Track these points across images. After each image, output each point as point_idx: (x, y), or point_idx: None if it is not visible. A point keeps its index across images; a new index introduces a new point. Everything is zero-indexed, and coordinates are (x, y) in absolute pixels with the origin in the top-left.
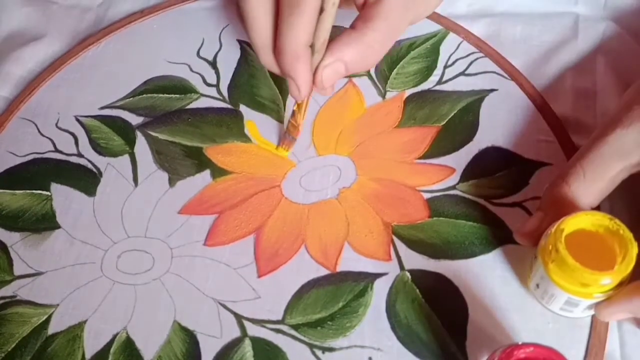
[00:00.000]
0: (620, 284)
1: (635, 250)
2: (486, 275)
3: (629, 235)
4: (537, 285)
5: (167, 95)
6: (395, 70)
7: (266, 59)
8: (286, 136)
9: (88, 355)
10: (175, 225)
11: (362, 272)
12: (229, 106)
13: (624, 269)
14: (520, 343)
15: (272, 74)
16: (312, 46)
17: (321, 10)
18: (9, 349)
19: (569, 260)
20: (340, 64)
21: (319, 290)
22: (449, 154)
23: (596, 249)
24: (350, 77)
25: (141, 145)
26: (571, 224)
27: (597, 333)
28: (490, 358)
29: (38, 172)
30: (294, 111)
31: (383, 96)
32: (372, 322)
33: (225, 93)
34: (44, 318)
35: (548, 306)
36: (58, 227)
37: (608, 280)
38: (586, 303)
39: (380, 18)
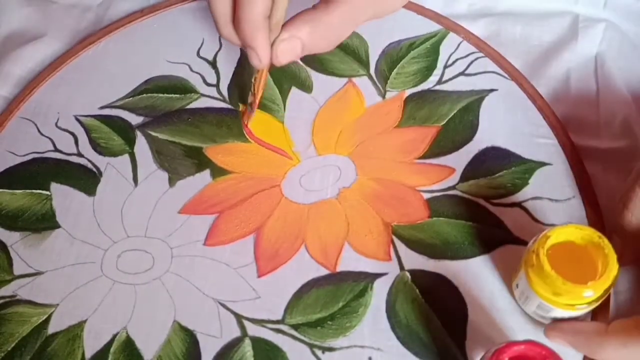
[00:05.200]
0: (595, 301)
1: (614, 272)
2: (486, 276)
3: (612, 255)
4: (517, 285)
5: (167, 95)
6: (395, 70)
7: (226, 30)
8: (246, 107)
9: (88, 355)
10: (175, 224)
11: (362, 272)
12: (229, 106)
13: (599, 286)
14: (512, 341)
15: (271, 74)
16: (271, 22)
17: None
18: (9, 349)
19: (546, 266)
20: (296, 40)
21: (319, 290)
22: (449, 154)
23: (581, 263)
24: (350, 76)
25: (141, 145)
26: (559, 233)
27: None
28: (484, 356)
29: (38, 172)
30: (253, 81)
31: (383, 96)
32: (372, 322)
33: (225, 93)
34: (43, 318)
35: (523, 307)
36: (58, 226)
37: (586, 293)
38: (558, 311)
39: (342, 1)
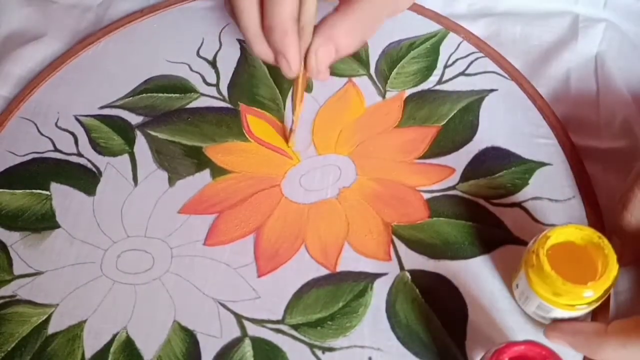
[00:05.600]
0: (595, 301)
1: (614, 272)
2: (486, 276)
3: (612, 255)
4: (517, 286)
5: (167, 95)
6: (395, 70)
7: (259, 47)
8: (289, 128)
9: (88, 355)
10: (175, 224)
11: (362, 272)
12: (229, 105)
13: (599, 286)
14: (512, 341)
15: (271, 74)
16: (300, 28)
17: None
18: (9, 349)
19: (546, 267)
20: (331, 44)
21: (319, 290)
22: (449, 154)
23: (581, 264)
24: (350, 76)
25: (141, 145)
26: (559, 234)
27: None
28: (484, 356)
29: (38, 172)
30: (292, 92)
31: (383, 96)
32: (372, 322)
33: (225, 92)
34: (43, 318)
35: (523, 307)
36: (58, 226)
37: (585, 293)
38: (558, 312)
39: (361, 2)
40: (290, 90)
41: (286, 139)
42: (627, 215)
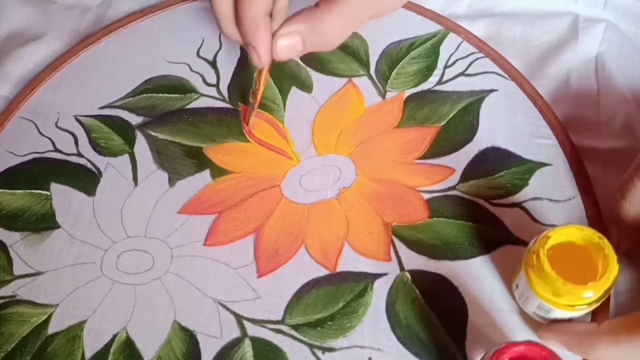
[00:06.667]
0: (595, 302)
1: (614, 272)
2: (486, 276)
3: (613, 256)
4: (517, 286)
5: (167, 95)
6: (395, 71)
7: (228, 29)
8: (247, 107)
9: (88, 355)
10: (175, 225)
11: (362, 273)
12: (229, 106)
13: (599, 287)
14: (512, 341)
15: (271, 74)
16: (271, 17)
17: None
18: (9, 349)
19: (546, 267)
20: (296, 36)
21: (319, 290)
22: (449, 154)
23: (581, 264)
24: (350, 76)
25: (141, 145)
26: (559, 234)
27: None
28: (484, 357)
29: (38, 172)
30: (254, 79)
31: (383, 96)
32: (372, 322)
33: (225, 93)
34: (43, 318)
35: (523, 307)
36: (58, 226)
37: (586, 294)
38: (558, 312)
39: (344, 2)
40: (255, 75)
41: (246, 119)
42: (626, 204)
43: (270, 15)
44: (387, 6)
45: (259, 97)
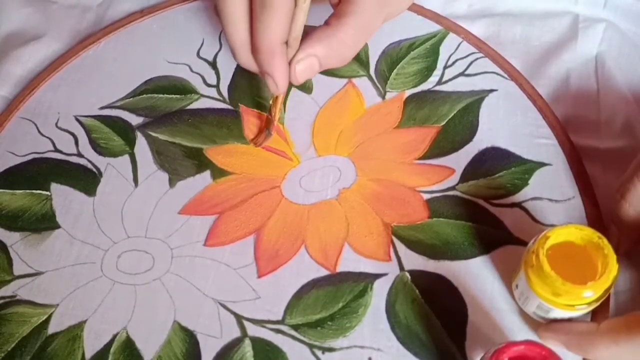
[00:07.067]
0: (595, 301)
1: (613, 272)
2: (486, 276)
3: (612, 256)
4: (517, 286)
5: (167, 96)
6: (395, 71)
7: (244, 58)
8: (264, 130)
9: (88, 355)
10: (175, 225)
11: (362, 273)
12: (229, 107)
13: (599, 286)
14: (512, 341)
15: None
16: (288, 44)
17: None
18: (9, 349)
19: (545, 267)
20: (313, 59)
21: (318, 290)
22: (449, 154)
23: (581, 264)
24: (349, 77)
25: (141, 146)
26: (559, 234)
27: None
28: (484, 357)
29: (38, 172)
30: (270, 105)
31: (383, 97)
32: (371, 322)
33: (225, 94)
34: (43, 318)
35: (523, 307)
36: (58, 227)
37: (585, 294)
38: (557, 312)
39: (354, 14)
40: (270, 100)
41: (259, 139)
42: (625, 205)
43: (286, 42)
44: (394, 10)
45: (275, 123)
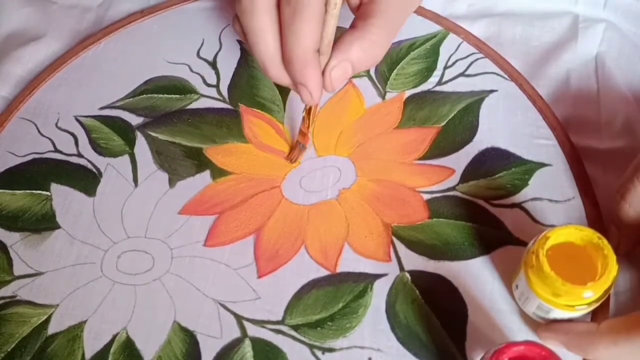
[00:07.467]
0: (595, 302)
1: (613, 272)
2: (486, 277)
3: (612, 256)
4: (517, 286)
5: (167, 96)
6: (395, 71)
7: (274, 71)
8: (297, 144)
9: (88, 355)
10: (175, 225)
11: (362, 273)
12: (229, 107)
13: (599, 287)
14: (512, 341)
15: None
16: (320, 53)
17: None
18: (9, 349)
19: (545, 267)
20: (347, 63)
21: (318, 290)
22: (449, 155)
23: (581, 264)
24: (349, 78)
25: (141, 146)
26: (559, 234)
27: None
28: (483, 357)
29: (38, 172)
30: (303, 117)
31: (383, 97)
32: (371, 322)
33: (225, 93)
34: (43, 318)
35: (523, 308)
36: (58, 227)
37: (585, 294)
38: (557, 312)
39: (380, 13)
40: (303, 111)
41: (293, 154)
42: (625, 205)
43: (317, 51)
44: (413, 5)
45: (309, 135)
